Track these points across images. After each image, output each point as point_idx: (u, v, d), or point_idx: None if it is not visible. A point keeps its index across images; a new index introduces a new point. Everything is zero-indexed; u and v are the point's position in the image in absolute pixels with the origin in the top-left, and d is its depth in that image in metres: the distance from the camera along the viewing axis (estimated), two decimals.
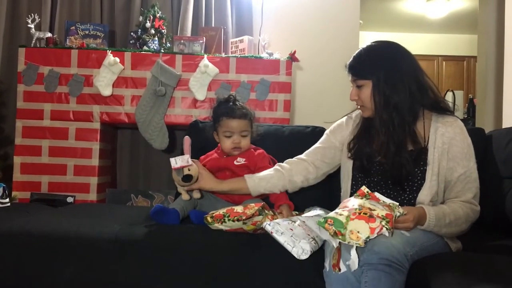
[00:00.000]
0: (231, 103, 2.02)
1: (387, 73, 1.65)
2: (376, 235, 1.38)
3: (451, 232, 1.60)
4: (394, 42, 1.75)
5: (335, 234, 1.39)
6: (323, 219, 1.43)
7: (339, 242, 1.42)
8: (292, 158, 1.93)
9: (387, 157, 1.67)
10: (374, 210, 1.43)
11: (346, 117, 1.93)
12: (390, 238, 1.40)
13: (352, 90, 1.73)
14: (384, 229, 1.39)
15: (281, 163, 1.92)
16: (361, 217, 1.40)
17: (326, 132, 1.95)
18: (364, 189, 1.55)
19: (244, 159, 1.99)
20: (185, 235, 1.74)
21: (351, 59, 1.73)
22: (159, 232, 1.75)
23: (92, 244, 1.71)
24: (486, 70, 3.84)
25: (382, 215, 1.42)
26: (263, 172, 1.89)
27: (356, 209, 1.44)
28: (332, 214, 1.45)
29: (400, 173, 1.66)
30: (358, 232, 1.37)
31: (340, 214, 1.43)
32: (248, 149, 2.04)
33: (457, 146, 1.67)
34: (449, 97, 5.15)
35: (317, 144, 1.94)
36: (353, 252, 1.39)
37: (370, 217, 1.40)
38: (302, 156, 1.93)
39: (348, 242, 1.38)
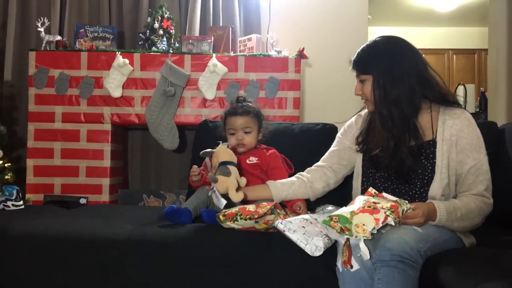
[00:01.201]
0: (236, 103, 2.08)
1: (387, 68, 1.67)
2: (381, 225, 1.38)
3: (463, 226, 1.59)
4: (398, 37, 1.76)
5: (341, 231, 1.40)
6: (328, 218, 1.43)
7: (347, 238, 1.42)
8: (302, 156, 1.94)
9: (386, 152, 1.68)
10: (378, 203, 1.44)
11: (356, 115, 1.94)
12: (403, 234, 1.39)
13: (356, 85, 1.76)
14: (389, 218, 1.38)
15: (301, 172, 1.94)
16: (365, 211, 1.41)
17: (338, 135, 1.97)
18: (371, 190, 1.55)
19: (256, 158, 2.00)
20: (197, 234, 1.75)
21: (355, 54, 1.76)
22: (171, 232, 1.76)
23: (105, 245, 1.73)
24: (498, 63, 3.80)
25: (386, 207, 1.42)
26: (284, 179, 1.91)
27: (360, 205, 1.45)
28: (337, 212, 1.46)
29: (401, 168, 1.67)
30: (364, 224, 1.38)
31: (345, 211, 1.44)
32: (258, 148, 2.05)
33: (466, 138, 1.66)
34: (460, 91, 5.10)
35: (331, 148, 1.95)
36: (362, 244, 1.39)
37: (374, 209, 1.41)
38: (319, 163, 1.94)
39: (356, 237, 1.38)
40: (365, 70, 1.72)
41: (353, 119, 1.94)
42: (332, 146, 1.96)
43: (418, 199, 1.65)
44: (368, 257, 1.39)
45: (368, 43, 1.76)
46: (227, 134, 2.06)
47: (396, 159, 1.67)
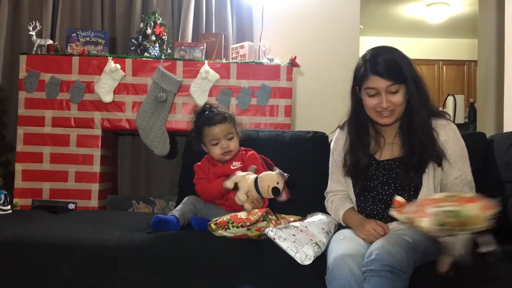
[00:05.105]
0: (207, 112, 2.04)
1: (415, 77, 1.68)
2: (492, 212, 1.29)
3: None
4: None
5: (462, 225, 1.28)
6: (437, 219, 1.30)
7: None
8: (292, 164, 1.91)
9: (406, 168, 1.67)
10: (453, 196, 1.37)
11: (338, 130, 1.91)
12: (393, 244, 1.40)
13: (382, 97, 1.65)
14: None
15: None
16: (468, 201, 1.32)
17: (331, 154, 1.93)
18: (400, 199, 1.49)
19: (239, 162, 2.01)
20: (187, 241, 1.74)
21: (383, 64, 1.64)
22: (161, 239, 1.75)
23: (93, 251, 1.71)
24: (487, 74, 3.84)
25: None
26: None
27: (446, 196, 1.36)
28: (436, 209, 1.32)
29: (410, 181, 1.67)
30: (477, 215, 1.29)
31: (450, 205, 1.31)
32: (239, 151, 2.04)
33: (451, 149, 1.67)
34: (449, 101, 5.15)
35: (332, 169, 1.91)
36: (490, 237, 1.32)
37: (469, 199, 1.33)
38: (335, 187, 1.88)
39: (476, 229, 1.28)
40: (400, 80, 1.64)
41: (337, 133, 1.91)
42: (330, 165, 1.91)
43: None
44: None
45: (390, 51, 1.69)
46: (207, 146, 2.02)
47: (412, 171, 1.67)
